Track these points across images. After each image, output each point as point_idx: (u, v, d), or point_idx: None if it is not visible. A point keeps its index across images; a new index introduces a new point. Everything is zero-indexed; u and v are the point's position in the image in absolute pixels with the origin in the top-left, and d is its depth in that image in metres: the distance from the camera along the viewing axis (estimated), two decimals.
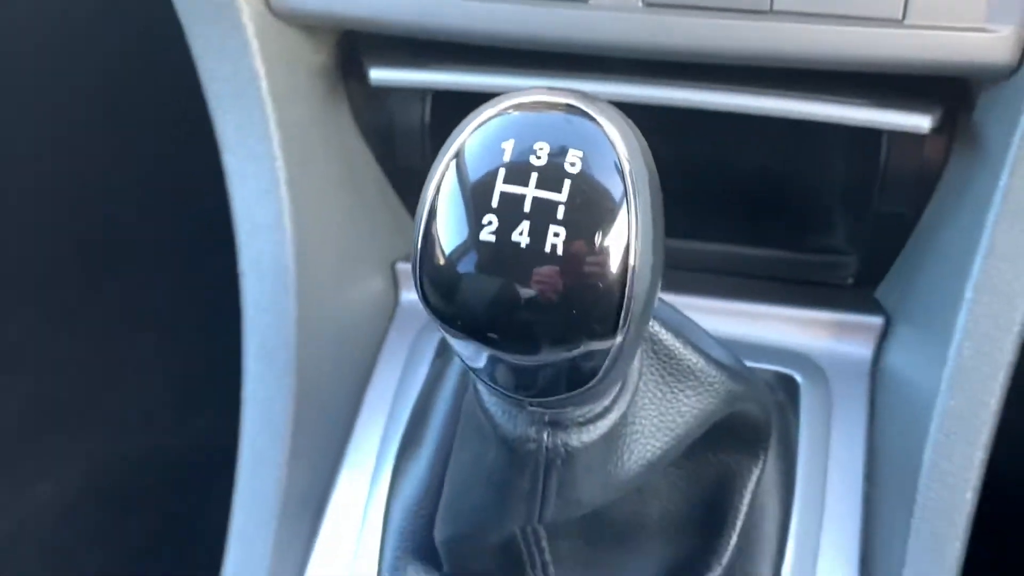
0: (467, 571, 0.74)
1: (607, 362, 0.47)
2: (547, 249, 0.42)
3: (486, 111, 0.46)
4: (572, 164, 0.43)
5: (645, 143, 0.46)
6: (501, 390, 0.51)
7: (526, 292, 0.43)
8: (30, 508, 1.35)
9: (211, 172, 0.91)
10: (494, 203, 0.43)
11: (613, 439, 0.58)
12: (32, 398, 1.37)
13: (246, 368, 0.88)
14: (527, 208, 0.42)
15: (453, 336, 0.47)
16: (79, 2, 1.28)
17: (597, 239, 0.42)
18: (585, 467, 0.57)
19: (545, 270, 0.43)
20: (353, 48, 0.93)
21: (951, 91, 0.82)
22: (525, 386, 0.50)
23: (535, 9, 0.78)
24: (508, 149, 0.44)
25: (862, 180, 0.93)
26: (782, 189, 0.99)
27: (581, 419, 0.55)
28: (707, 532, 0.74)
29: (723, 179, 1.00)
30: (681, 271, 1.00)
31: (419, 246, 0.45)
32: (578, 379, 0.48)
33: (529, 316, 0.43)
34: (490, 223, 0.43)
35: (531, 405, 0.53)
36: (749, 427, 0.72)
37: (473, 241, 0.43)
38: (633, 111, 0.81)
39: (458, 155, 0.45)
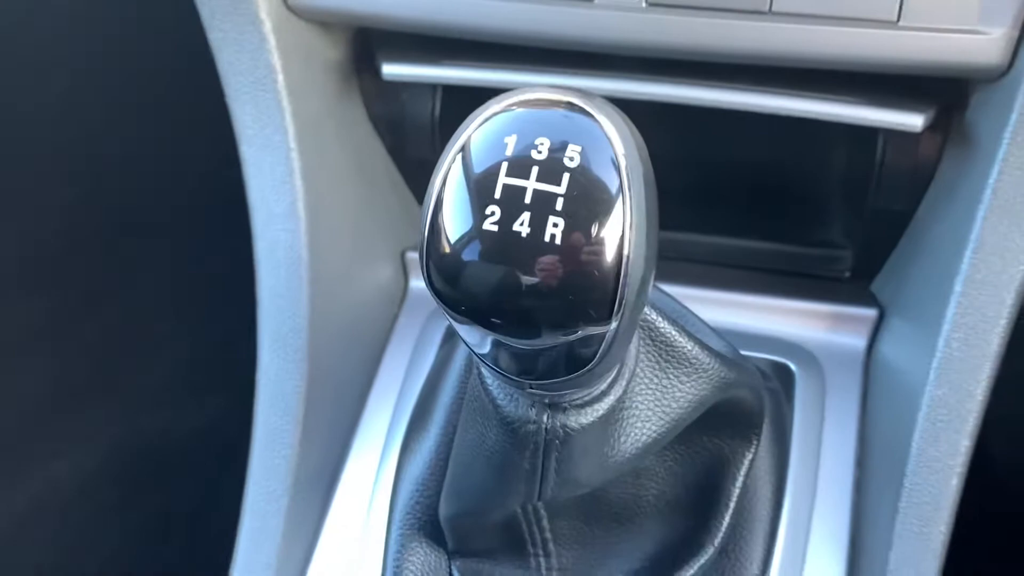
0: (470, 548, 0.76)
1: (603, 347, 0.48)
2: (546, 239, 0.44)
3: (491, 107, 0.47)
4: (571, 159, 0.44)
5: (641, 139, 0.48)
6: (503, 373, 0.52)
7: (527, 279, 0.44)
8: (47, 486, 1.36)
9: (227, 162, 0.92)
10: (497, 195, 0.44)
11: (610, 422, 0.60)
12: (50, 380, 1.37)
13: (261, 351, 0.89)
14: (528, 200, 0.44)
15: (458, 321, 0.48)
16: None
17: (594, 229, 0.44)
18: (583, 448, 0.59)
19: (544, 259, 0.44)
20: (366, 44, 0.95)
21: (946, 91, 0.83)
22: (526, 370, 0.51)
23: (542, 8, 0.80)
24: (511, 144, 0.45)
25: (859, 176, 0.94)
26: (781, 184, 1.00)
27: (579, 402, 0.57)
28: (701, 513, 0.76)
29: (725, 174, 1.01)
30: (684, 263, 1.02)
31: (426, 235, 0.46)
32: (576, 363, 0.50)
33: (529, 302, 0.45)
34: (493, 214, 0.44)
35: (531, 388, 0.54)
36: (742, 413, 0.74)
37: (477, 231, 0.45)
38: (636, 107, 0.84)
39: (464, 149, 0.46)
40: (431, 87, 0.96)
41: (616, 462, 0.63)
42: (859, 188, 0.94)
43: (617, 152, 0.45)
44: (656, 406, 0.64)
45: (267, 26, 0.84)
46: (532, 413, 0.57)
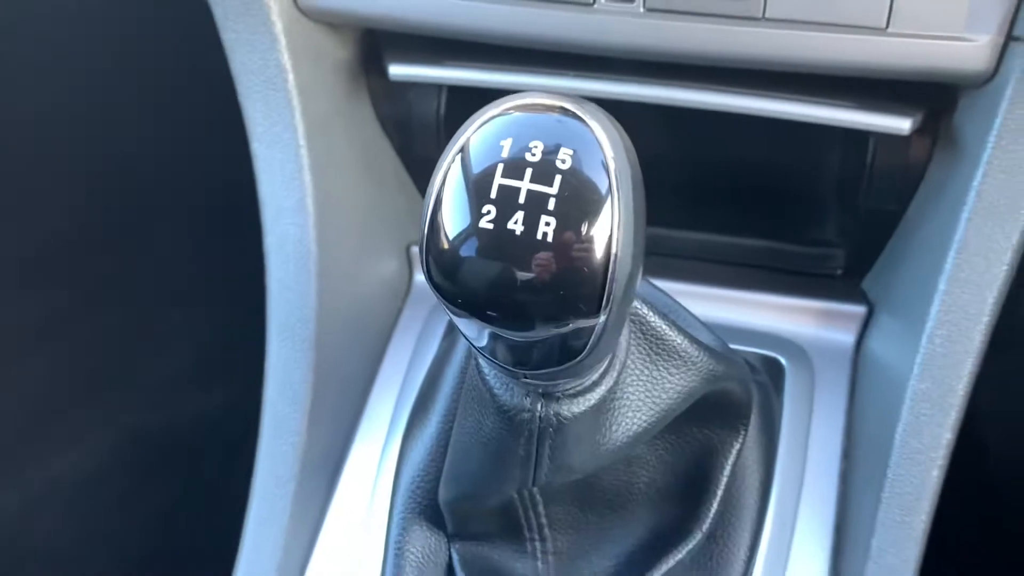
0: (469, 531, 0.78)
1: (593, 339, 0.50)
2: (539, 236, 0.46)
3: (489, 111, 0.49)
4: (563, 161, 0.46)
5: (630, 143, 0.50)
6: (499, 364, 0.54)
7: (520, 274, 0.46)
8: (58, 475, 1.37)
9: (237, 157, 0.93)
10: (493, 195, 0.46)
11: (602, 411, 0.62)
12: (60, 372, 1.38)
13: (270, 341, 0.90)
14: (522, 200, 0.46)
15: (455, 314, 0.50)
16: None
17: (583, 228, 0.46)
18: (575, 436, 0.61)
19: (537, 255, 0.46)
20: (374, 45, 0.96)
21: (935, 96, 0.85)
22: (521, 361, 0.53)
23: (544, 12, 0.81)
24: (506, 146, 0.47)
25: (851, 177, 0.95)
26: (776, 184, 1.01)
27: (572, 391, 0.59)
28: (690, 500, 0.77)
29: (722, 174, 1.02)
30: (681, 259, 1.03)
31: (426, 232, 0.48)
32: (567, 354, 0.51)
33: (523, 296, 0.47)
34: (489, 212, 0.46)
35: (526, 378, 0.56)
36: (730, 404, 0.75)
37: (474, 228, 0.47)
38: (635, 109, 0.86)
39: (463, 150, 0.48)
40: (436, 87, 0.97)
41: (608, 450, 0.65)
42: (851, 188, 0.95)
43: (607, 155, 0.47)
44: (646, 397, 0.65)
45: (278, 27, 0.85)
46: (527, 402, 0.59)
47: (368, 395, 0.95)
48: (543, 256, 0.46)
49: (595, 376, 0.60)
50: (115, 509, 1.44)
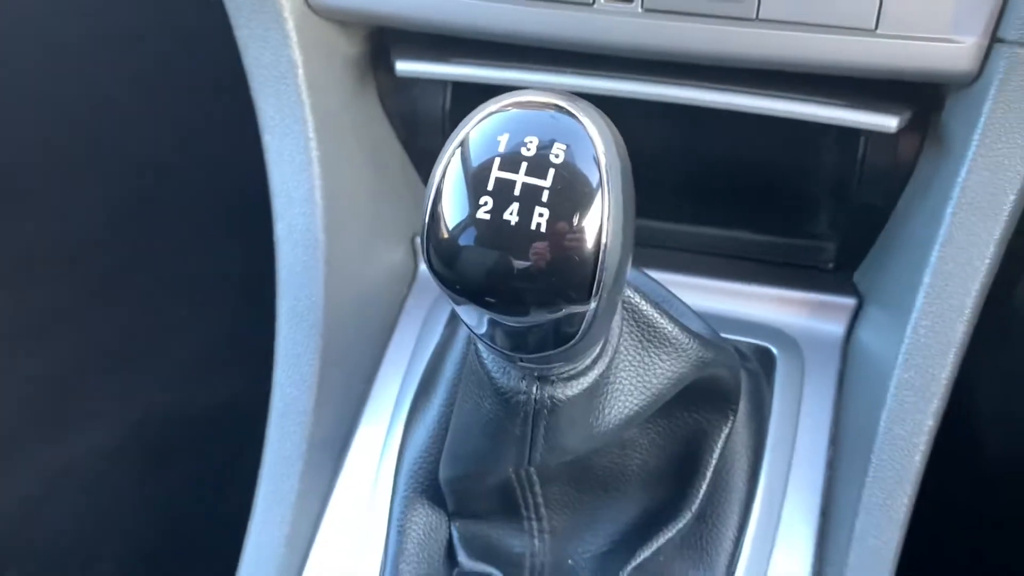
0: (469, 509, 0.80)
1: (584, 325, 0.53)
2: (533, 227, 0.48)
3: (488, 107, 0.51)
4: (556, 156, 0.49)
5: (621, 139, 0.52)
6: (497, 349, 0.57)
7: (515, 263, 0.49)
8: (71, 459, 1.38)
9: (247, 148, 0.95)
10: (490, 187, 0.49)
11: (595, 394, 0.65)
12: (75, 358, 1.39)
13: (279, 327, 0.92)
14: (517, 192, 0.48)
15: (456, 300, 0.53)
16: None
17: (575, 219, 0.48)
18: (570, 418, 0.63)
19: (531, 245, 0.49)
20: (382, 42, 0.98)
21: (923, 95, 0.86)
22: (517, 345, 0.56)
23: (545, 11, 0.83)
24: (503, 141, 0.49)
25: (842, 173, 0.96)
26: (770, 180, 1.02)
27: (566, 375, 0.61)
28: (681, 482, 0.80)
29: (718, 170, 1.04)
30: (675, 251, 1.04)
31: (427, 222, 0.51)
32: (561, 339, 0.54)
33: (517, 283, 0.49)
34: (486, 204, 0.49)
35: (522, 361, 0.59)
36: (719, 390, 0.78)
37: (472, 219, 0.49)
38: (632, 105, 0.88)
39: (462, 145, 0.51)
40: (442, 83, 0.99)
41: (600, 432, 0.67)
42: (843, 184, 0.97)
43: (598, 150, 0.50)
44: (638, 381, 0.68)
45: (290, 24, 0.87)
46: (523, 385, 0.61)
47: (373, 379, 0.97)
48: (537, 245, 0.49)
49: (588, 361, 0.62)
50: (132, 486, 1.46)
